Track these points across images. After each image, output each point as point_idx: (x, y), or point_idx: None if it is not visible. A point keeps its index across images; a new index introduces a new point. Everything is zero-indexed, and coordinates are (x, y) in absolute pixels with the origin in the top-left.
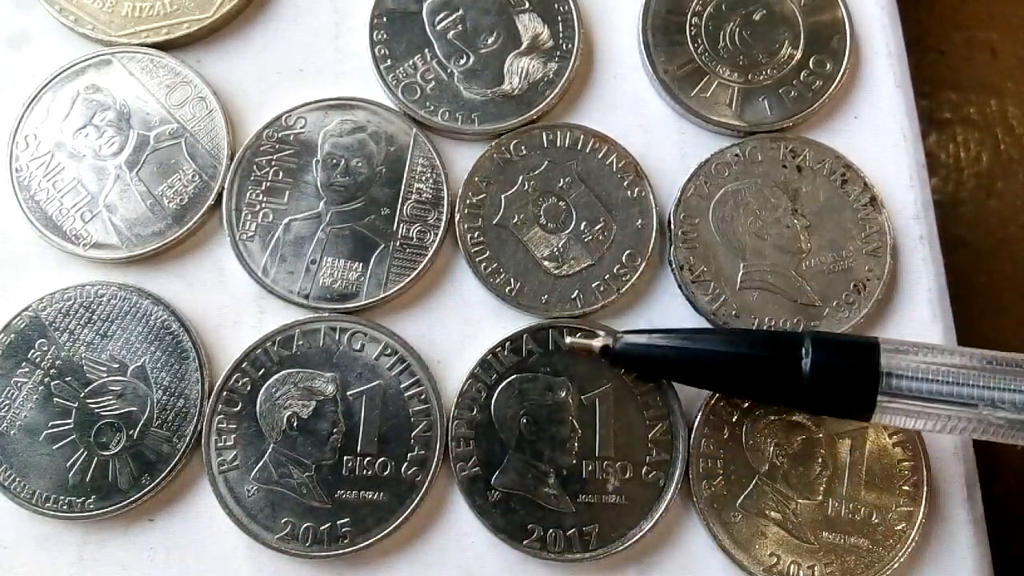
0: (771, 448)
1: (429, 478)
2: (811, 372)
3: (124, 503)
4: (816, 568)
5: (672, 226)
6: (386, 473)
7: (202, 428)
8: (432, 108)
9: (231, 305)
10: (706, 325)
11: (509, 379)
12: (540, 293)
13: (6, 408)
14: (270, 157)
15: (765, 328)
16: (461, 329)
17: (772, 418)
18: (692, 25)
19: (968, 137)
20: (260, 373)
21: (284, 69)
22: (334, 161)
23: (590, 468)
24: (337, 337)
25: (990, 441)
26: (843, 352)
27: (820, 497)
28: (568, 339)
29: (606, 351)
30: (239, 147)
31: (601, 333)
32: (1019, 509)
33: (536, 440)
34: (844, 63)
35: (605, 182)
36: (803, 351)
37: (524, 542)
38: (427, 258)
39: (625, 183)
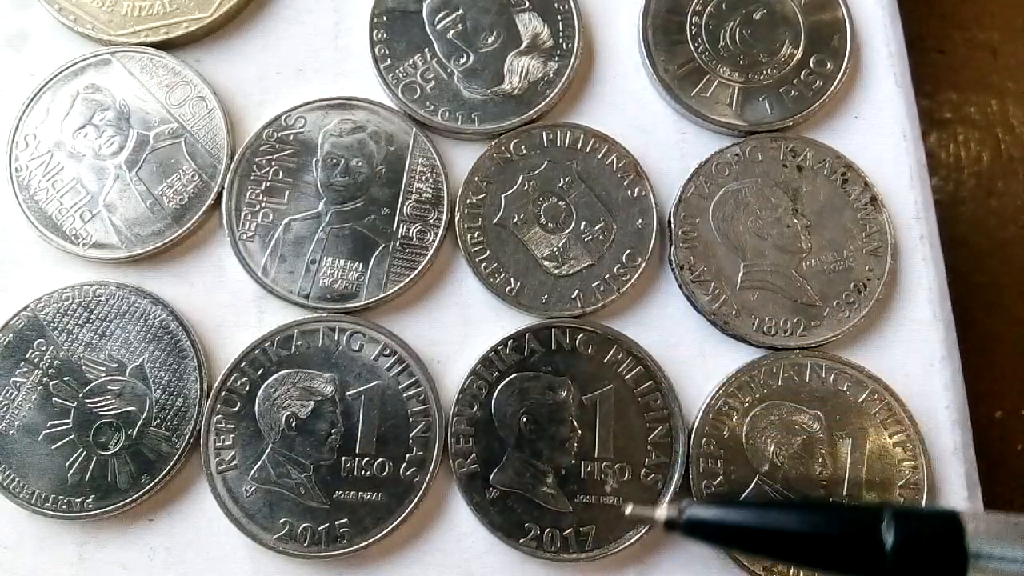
0: (772, 448)
1: (427, 479)
2: (894, 554)
3: (123, 503)
4: None
5: (672, 226)
6: (384, 474)
7: (201, 428)
8: (432, 108)
9: (231, 305)
10: (707, 327)
11: (510, 377)
12: (540, 293)
13: (5, 408)
14: (270, 157)
15: (780, 344)
16: (461, 329)
17: (773, 418)
18: (692, 24)
19: (969, 137)
20: (259, 373)
21: (284, 68)
22: (334, 161)
23: (589, 469)
24: (336, 337)
25: None
26: (926, 531)
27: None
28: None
29: (670, 524)
30: (239, 147)
31: (667, 502)
32: (1019, 509)
33: (535, 439)
34: (844, 62)
35: (605, 182)
36: (883, 528)
37: (520, 540)
38: (427, 258)
39: (625, 183)
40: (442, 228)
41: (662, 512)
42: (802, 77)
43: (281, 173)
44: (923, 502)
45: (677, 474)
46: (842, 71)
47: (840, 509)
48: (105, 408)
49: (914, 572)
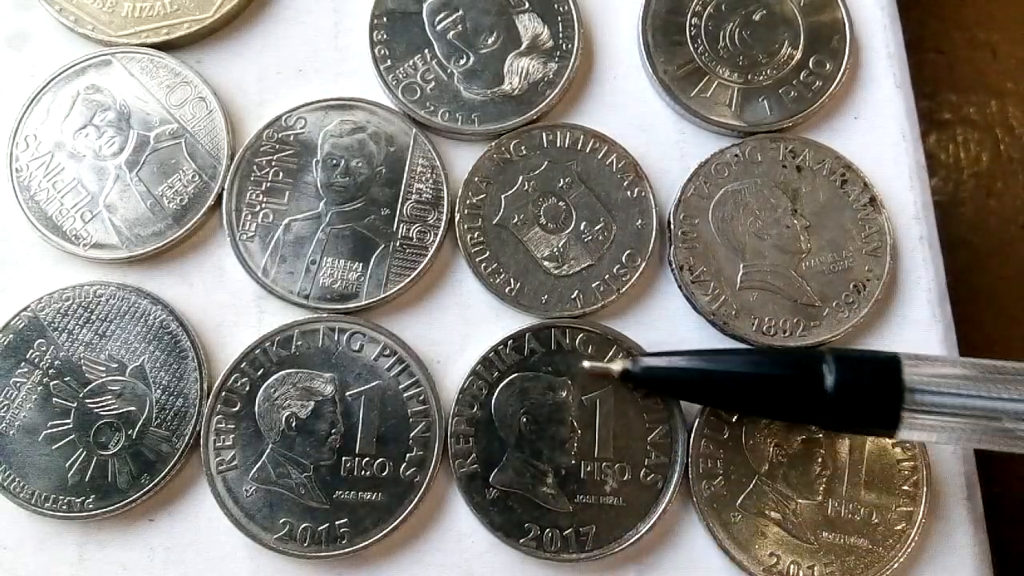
0: (771, 448)
1: (427, 479)
2: (835, 389)
3: (123, 503)
4: (816, 568)
5: (672, 226)
6: (384, 474)
7: (201, 428)
8: (432, 108)
9: (231, 305)
10: (707, 327)
11: (510, 377)
12: (540, 293)
13: (5, 408)
14: (270, 157)
15: (779, 344)
16: (461, 329)
17: None
18: (692, 25)
19: (968, 137)
20: (259, 373)
21: (284, 69)
22: (334, 161)
23: (588, 469)
24: (336, 337)
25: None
26: (865, 368)
27: (820, 497)
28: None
29: (626, 375)
30: (239, 147)
31: (619, 357)
32: (1019, 509)
33: (535, 439)
34: (844, 63)
35: (605, 182)
36: (824, 368)
37: (520, 540)
38: (427, 258)
39: (625, 183)
40: (442, 228)
41: (618, 365)
42: (801, 78)
43: (281, 174)
44: (923, 505)
45: (677, 474)
46: (841, 72)
47: (783, 352)
48: (105, 408)
49: (852, 407)
